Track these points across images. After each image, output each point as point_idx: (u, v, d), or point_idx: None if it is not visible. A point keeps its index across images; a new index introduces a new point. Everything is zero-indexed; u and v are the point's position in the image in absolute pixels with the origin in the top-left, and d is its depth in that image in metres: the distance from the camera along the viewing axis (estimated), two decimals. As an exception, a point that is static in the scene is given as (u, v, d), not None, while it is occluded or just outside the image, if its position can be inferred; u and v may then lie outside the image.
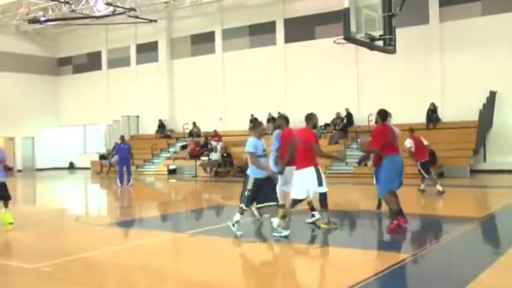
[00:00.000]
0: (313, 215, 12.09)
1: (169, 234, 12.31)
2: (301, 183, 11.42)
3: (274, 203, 10.68)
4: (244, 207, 10.78)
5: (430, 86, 28.49)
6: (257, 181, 10.61)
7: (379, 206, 13.27)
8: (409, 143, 17.54)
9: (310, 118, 11.81)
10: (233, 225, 10.82)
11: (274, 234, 10.50)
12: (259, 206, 10.91)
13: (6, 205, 13.28)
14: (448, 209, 15.01)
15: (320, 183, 11.34)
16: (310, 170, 11.37)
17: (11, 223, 12.97)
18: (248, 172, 10.79)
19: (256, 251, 10.11)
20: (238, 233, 10.73)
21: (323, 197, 11.41)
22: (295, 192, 11.54)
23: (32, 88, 42.32)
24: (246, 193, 10.70)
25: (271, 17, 33.85)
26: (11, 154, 41.53)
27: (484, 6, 27.29)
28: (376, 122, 11.98)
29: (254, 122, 10.77)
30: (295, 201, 11.61)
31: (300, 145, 11.49)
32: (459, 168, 24.60)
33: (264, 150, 10.77)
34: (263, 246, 10.43)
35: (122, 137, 26.28)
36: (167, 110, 38.50)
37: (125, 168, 24.96)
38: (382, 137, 11.25)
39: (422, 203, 16.85)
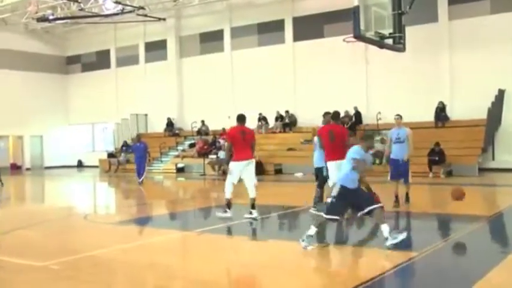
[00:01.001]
0: (251, 212, 12.75)
1: (178, 232, 12.35)
2: (335, 173, 12.14)
3: (378, 205, 9.49)
4: (325, 216, 9.42)
5: (438, 84, 28.43)
6: (344, 191, 9.36)
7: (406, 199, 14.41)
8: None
9: (339, 116, 13.33)
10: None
11: (389, 243, 9.19)
12: (364, 212, 9.37)
13: None
14: (456, 207, 14.96)
15: None
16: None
17: None
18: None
19: (264, 250, 10.12)
20: (309, 247, 9.33)
21: None
22: (333, 180, 12.20)
23: (41, 86, 42.41)
24: (331, 199, 9.55)
25: (280, 15, 33.83)
26: (19, 152, 41.87)
27: (493, 5, 27.17)
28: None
29: (365, 134, 10.26)
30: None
31: (334, 140, 12.52)
32: (468, 167, 24.50)
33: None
34: (271, 245, 10.43)
35: (138, 136, 26.72)
36: (176, 108, 38.54)
37: None
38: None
39: (431, 201, 16.81)
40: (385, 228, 9.16)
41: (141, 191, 22.91)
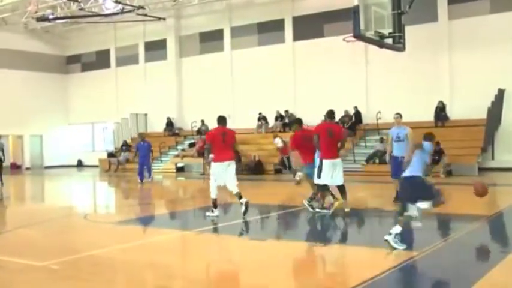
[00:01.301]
0: (241, 203, 12.89)
1: (178, 232, 12.35)
2: (329, 171, 12.82)
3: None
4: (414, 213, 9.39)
5: (438, 84, 28.42)
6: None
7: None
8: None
9: (334, 115, 13.87)
10: (395, 241, 9.00)
11: (387, 238, 9.09)
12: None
13: None
14: (456, 207, 14.97)
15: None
16: (339, 161, 13.12)
17: None
18: (410, 173, 9.48)
19: (263, 249, 10.10)
20: (401, 247, 8.96)
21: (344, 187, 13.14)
22: (324, 179, 12.89)
23: (41, 86, 42.39)
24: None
25: (280, 15, 33.82)
26: (19, 152, 41.87)
27: (493, 4, 27.18)
28: (294, 130, 14.92)
29: (428, 134, 10.54)
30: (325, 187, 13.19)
31: (332, 138, 12.98)
32: (467, 166, 24.50)
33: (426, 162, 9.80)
34: (271, 245, 10.42)
35: (142, 136, 26.89)
36: (175, 108, 38.53)
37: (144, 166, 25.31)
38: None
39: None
40: (397, 228, 9.04)
41: (141, 191, 22.93)
